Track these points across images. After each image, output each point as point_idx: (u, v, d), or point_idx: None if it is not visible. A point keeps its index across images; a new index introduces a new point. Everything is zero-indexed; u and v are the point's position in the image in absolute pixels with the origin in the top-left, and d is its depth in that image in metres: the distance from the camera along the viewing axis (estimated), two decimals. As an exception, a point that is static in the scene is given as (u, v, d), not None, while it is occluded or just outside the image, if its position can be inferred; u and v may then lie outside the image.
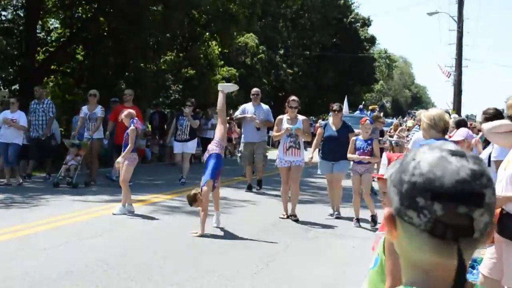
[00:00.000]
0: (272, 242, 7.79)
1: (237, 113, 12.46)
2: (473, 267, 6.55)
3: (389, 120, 24.84)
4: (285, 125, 9.21)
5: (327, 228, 9.04)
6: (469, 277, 4.49)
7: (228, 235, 8.12)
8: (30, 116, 12.64)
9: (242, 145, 12.10)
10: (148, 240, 7.72)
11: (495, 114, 5.98)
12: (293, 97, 9.56)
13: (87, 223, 8.74)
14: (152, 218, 9.18)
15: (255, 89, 12.49)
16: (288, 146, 9.14)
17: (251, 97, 12.23)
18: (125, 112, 10.00)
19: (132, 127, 9.30)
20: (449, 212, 1.19)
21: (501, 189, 3.84)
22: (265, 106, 12.15)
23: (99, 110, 12.76)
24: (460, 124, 8.67)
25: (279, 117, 9.74)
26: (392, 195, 1.29)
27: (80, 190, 11.78)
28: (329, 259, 7.28)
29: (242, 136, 12.28)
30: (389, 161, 3.54)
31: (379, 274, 3.44)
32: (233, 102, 20.91)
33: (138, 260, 6.62)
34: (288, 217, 9.25)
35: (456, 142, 6.36)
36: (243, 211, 10.30)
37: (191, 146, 13.32)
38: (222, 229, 8.27)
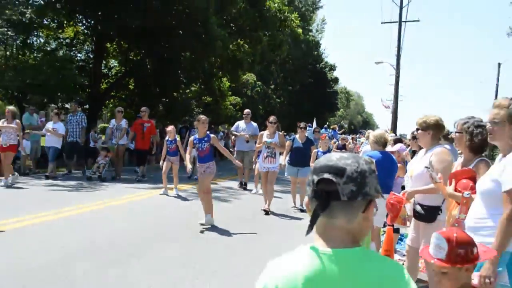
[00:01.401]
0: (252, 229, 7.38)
1: (233, 129, 11.80)
2: (401, 239, 6.51)
3: (349, 137, 24.72)
4: (265, 138, 8.64)
5: (296, 218, 8.17)
6: (398, 246, 4.50)
7: (223, 220, 7.40)
8: (67, 125, 12.01)
9: (235, 152, 11.45)
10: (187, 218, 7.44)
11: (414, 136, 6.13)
12: (271, 118, 8.90)
13: (137, 203, 8.63)
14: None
15: (246, 110, 11.76)
16: (266, 155, 8.56)
17: (243, 116, 11.64)
18: (170, 128, 9.78)
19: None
20: (320, 179, 1.26)
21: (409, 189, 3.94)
22: (254, 124, 11.49)
23: (123, 123, 12.20)
24: (397, 141, 8.75)
25: (261, 132, 9.13)
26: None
27: (129, 180, 11.56)
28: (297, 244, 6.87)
29: (236, 145, 11.62)
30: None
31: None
32: (235, 120, 20.89)
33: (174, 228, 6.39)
34: (266, 211, 8.33)
35: (392, 152, 6.40)
36: (237, 201, 9.87)
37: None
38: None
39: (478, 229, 2.69)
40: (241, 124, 11.46)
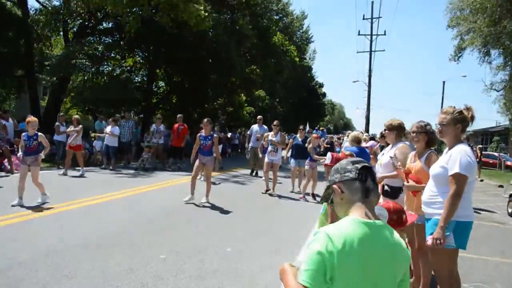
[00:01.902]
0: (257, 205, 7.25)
1: (249, 132, 11.57)
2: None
3: (336, 136, 24.25)
4: (270, 137, 8.52)
5: (294, 199, 7.89)
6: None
7: (230, 200, 7.25)
8: (121, 129, 11.71)
9: (249, 148, 11.21)
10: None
11: (382, 135, 6.08)
12: (275, 122, 8.78)
13: (177, 185, 8.57)
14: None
15: (259, 116, 11.65)
16: (270, 150, 8.36)
17: (257, 120, 11.42)
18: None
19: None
20: (361, 167, 1.40)
21: (379, 174, 3.83)
22: (265, 126, 11.19)
23: (162, 127, 11.95)
24: (371, 138, 8.68)
25: (267, 133, 9.09)
26: (334, 175, 1.43)
27: (169, 169, 11.38)
28: (296, 219, 6.38)
29: (250, 142, 11.26)
30: (332, 157, 3.46)
31: (325, 216, 3.39)
32: (250, 124, 20.86)
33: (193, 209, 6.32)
34: (267, 191, 8.12)
35: (366, 147, 6.31)
36: (245, 185, 9.83)
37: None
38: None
39: (431, 204, 2.67)
40: (255, 127, 11.27)
